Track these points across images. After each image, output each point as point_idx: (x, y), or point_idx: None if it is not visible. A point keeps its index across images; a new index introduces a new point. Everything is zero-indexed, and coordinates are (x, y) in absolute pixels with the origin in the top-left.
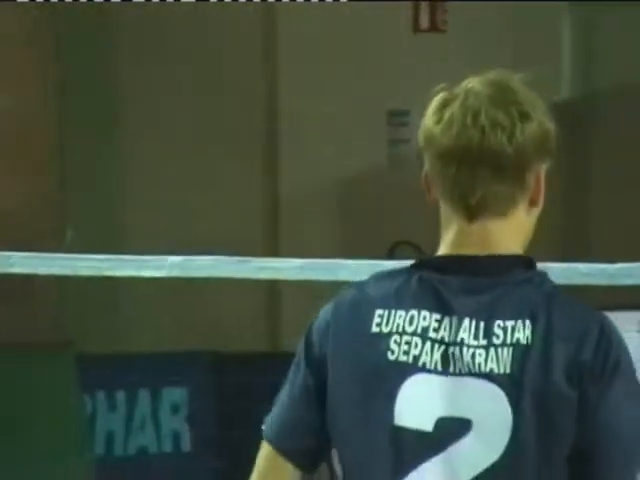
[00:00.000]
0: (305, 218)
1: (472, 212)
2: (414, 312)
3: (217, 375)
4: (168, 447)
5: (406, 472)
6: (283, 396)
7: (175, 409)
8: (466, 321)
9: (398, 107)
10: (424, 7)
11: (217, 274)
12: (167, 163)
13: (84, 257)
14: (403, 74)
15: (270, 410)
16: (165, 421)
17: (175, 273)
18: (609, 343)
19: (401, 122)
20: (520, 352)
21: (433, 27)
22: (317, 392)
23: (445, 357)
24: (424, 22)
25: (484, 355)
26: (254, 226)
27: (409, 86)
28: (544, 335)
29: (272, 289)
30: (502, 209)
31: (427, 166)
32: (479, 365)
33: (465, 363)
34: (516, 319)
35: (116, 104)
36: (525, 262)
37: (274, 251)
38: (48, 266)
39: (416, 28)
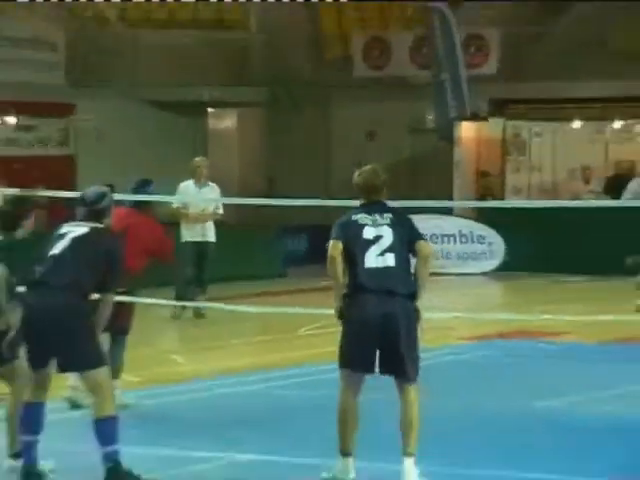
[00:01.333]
0: None
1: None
2: (365, 214)
3: None
4: None
5: (367, 250)
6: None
7: None
8: (377, 215)
9: None
10: None
11: None
12: None
13: None
14: None
15: None
16: None
17: None
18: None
19: None
20: (390, 221)
21: None
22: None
23: (374, 222)
24: None
25: (382, 221)
26: None
27: None
28: (396, 217)
29: None
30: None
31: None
32: (382, 223)
33: (378, 223)
34: (388, 213)
35: None
36: (382, 202)
37: None
38: None
39: None
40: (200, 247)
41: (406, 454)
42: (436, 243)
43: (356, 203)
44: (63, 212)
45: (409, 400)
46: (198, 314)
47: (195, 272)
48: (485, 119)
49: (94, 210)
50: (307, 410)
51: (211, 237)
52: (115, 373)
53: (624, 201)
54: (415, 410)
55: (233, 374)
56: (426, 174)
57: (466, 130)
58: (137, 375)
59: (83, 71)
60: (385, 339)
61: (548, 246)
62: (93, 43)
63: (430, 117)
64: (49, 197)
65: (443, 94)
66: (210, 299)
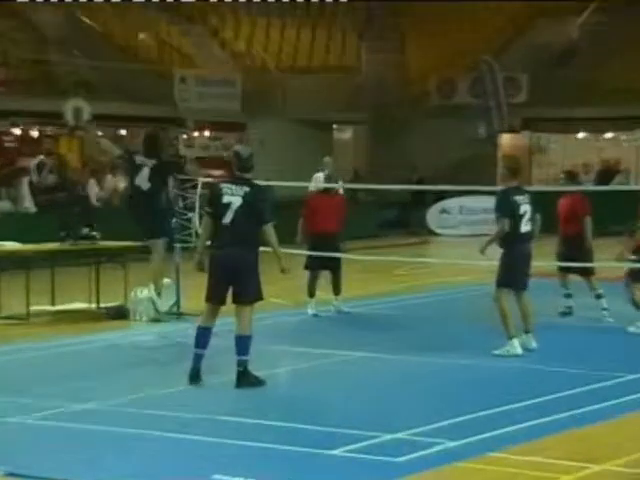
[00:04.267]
0: None
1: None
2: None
3: None
4: None
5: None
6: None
7: None
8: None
9: None
10: None
11: None
12: None
13: None
14: None
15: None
16: None
17: None
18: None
19: None
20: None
21: None
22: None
23: (237, 192)
24: None
25: (241, 192)
26: None
27: None
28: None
29: None
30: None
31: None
32: (239, 194)
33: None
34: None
35: None
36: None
37: None
38: None
39: None
40: None
41: None
42: (484, 214)
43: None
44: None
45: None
46: (282, 270)
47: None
48: (518, 132)
49: (246, 165)
50: (409, 320)
51: None
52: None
53: (613, 186)
54: None
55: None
56: (478, 169)
57: (505, 139)
58: (288, 300)
59: (252, 100)
60: None
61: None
62: (258, 82)
63: (481, 130)
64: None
65: (490, 115)
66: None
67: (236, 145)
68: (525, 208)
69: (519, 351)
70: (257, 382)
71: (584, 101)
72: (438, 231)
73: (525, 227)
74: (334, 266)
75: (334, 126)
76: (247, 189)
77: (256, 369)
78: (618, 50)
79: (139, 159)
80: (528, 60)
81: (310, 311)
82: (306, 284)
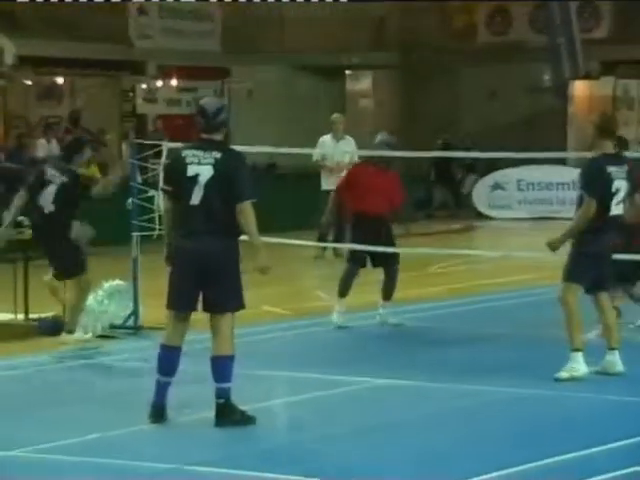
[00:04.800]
0: None
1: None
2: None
3: None
4: None
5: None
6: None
7: None
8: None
9: None
10: None
11: None
12: None
13: None
14: None
15: None
16: None
17: None
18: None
19: None
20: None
21: None
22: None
23: (205, 160)
24: None
25: (211, 160)
26: None
27: None
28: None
29: None
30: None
31: None
32: (209, 163)
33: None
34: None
35: None
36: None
37: None
38: None
39: None
40: None
41: None
42: (551, 190)
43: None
44: None
45: None
46: (337, 254)
47: (334, 217)
48: (597, 78)
49: (214, 123)
50: (448, 335)
51: None
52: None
53: None
54: None
55: (372, 308)
56: (542, 129)
57: (579, 89)
58: (284, 308)
59: (236, 40)
60: None
61: None
62: (245, 15)
63: (547, 77)
64: None
65: (559, 56)
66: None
67: (206, 98)
68: (620, 184)
69: (584, 370)
70: (243, 419)
71: None
72: (488, 213)
73: (616, 209)
74: (390, 261)
75: (347, 72)
76: (218, 155)
77: (243, 402)
78: None
79: (50, 172)
80: None
81: (336, 319)
82: (311, 286)
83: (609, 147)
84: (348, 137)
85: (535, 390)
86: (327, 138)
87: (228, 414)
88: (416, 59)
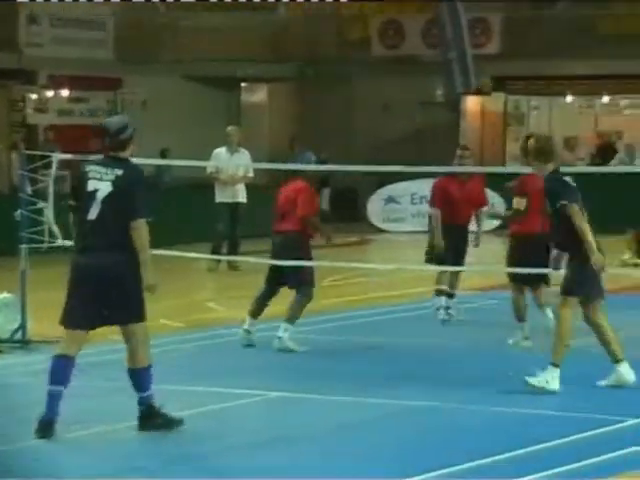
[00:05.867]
0: None
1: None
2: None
3: None
4: None
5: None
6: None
7: None
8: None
9: None
10: None
11: None
12: None
13: None
14: None
15: None
16: None
17: None
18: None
19: None
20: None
21: None
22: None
23: (106, 176)
24: None
25: (111, 176)
26: None
27: None
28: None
29: None
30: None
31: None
32: (108, 179)
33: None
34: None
35: None
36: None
37: None
38: None
39: None
40: (231, 207)
41: None
42: None
43: (376, 167)
44: None
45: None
46: (232, 266)
47: (228, 229)
48: (488, 94)
49: (118, 141)
50: (341, 346)
51: (242, 198)
52: None
53: (613, 167)
54: None
55: (264, 320)
56: (435, 142)
57: (471, 104)
58: (180, 321)
59: (129, 49)
60: None
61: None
62: (138, 24)
63: (439, 92)
64: None
65: (451, 71)
66: (243, 253)
67: (111, 117)
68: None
69: (555, 386)
70: (166, 423)
71: (574, 52)
72: (383, 226)
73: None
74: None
75: (243, 84)
76: (119, 172)
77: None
78: None
79: None
80: None
81: (283, 337)
82: (205, 298)
83: (552, 166)
84: (243, 150)
85: (428, 402)
86: (222, 150)
87: (150, 419)
88: (311, 71)
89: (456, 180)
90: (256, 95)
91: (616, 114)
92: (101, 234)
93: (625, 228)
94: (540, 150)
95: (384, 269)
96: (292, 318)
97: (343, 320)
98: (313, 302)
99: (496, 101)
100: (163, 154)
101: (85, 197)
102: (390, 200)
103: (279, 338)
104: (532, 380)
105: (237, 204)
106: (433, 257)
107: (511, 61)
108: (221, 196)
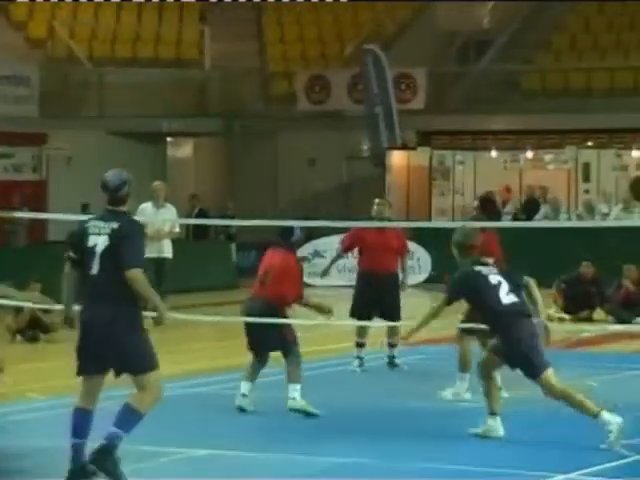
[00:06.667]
0: None
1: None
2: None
3: None
4: None
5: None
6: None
7: None
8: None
9: None
10: None
11: None
12: None
13: None
14: None
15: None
16: None
17: None
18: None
19: None
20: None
21: None
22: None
23: (104, 230)
24: None
25: (108, 230)
26: None
27: None
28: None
29: None
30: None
31: None
32: (106, 233)
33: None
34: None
35: None
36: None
37: None
38: None
39: None
40: (157, 262)
41: None
42: None
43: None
44: (40, 229)
45: None
46: (157, 322)
47: (153, 284)
48: (414, 148)
49: (117, 196)
50: (270, 402)
51: (167, 253)
52: None
53: (537, 222)
54: None
55: (190, 376)
56: (361, 197)
57: (397, 158)
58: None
59: (54, 104)
60: None
61: None
62: (63, 79)
63: (365, 146)
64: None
65: (376, 126)
66: (169, 308)
67: (111, 171)
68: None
69: (500, 433)
70: (114, 473)
71: (498, 108)
72: (309, 281)
73: None
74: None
75: (168, 139)
76: (115, 225)
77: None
78: (545, 41)
79: None
80: (427, 52)
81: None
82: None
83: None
84: (169, 205)
85: (355, 459)
86: (147, 206)
87: (106, 458)
88: (237, 126)
89: (374, 228)
90: (182, 150)
91: (541, 169)
92: (102, 288)
93: (553, 282)
94: (461, 245)
95: (309, 324)
96: (297, 378)
97: (273, 375)
98: (240, 358)
99: (422, 156)
100: (84, 209)
101: (85, 252)
102: (316, 254)
103: (293, 399)
104: (476, 429)
105: (163, 259)
106: (355, 309)
107: (436, 116)
108: (147, 251)
